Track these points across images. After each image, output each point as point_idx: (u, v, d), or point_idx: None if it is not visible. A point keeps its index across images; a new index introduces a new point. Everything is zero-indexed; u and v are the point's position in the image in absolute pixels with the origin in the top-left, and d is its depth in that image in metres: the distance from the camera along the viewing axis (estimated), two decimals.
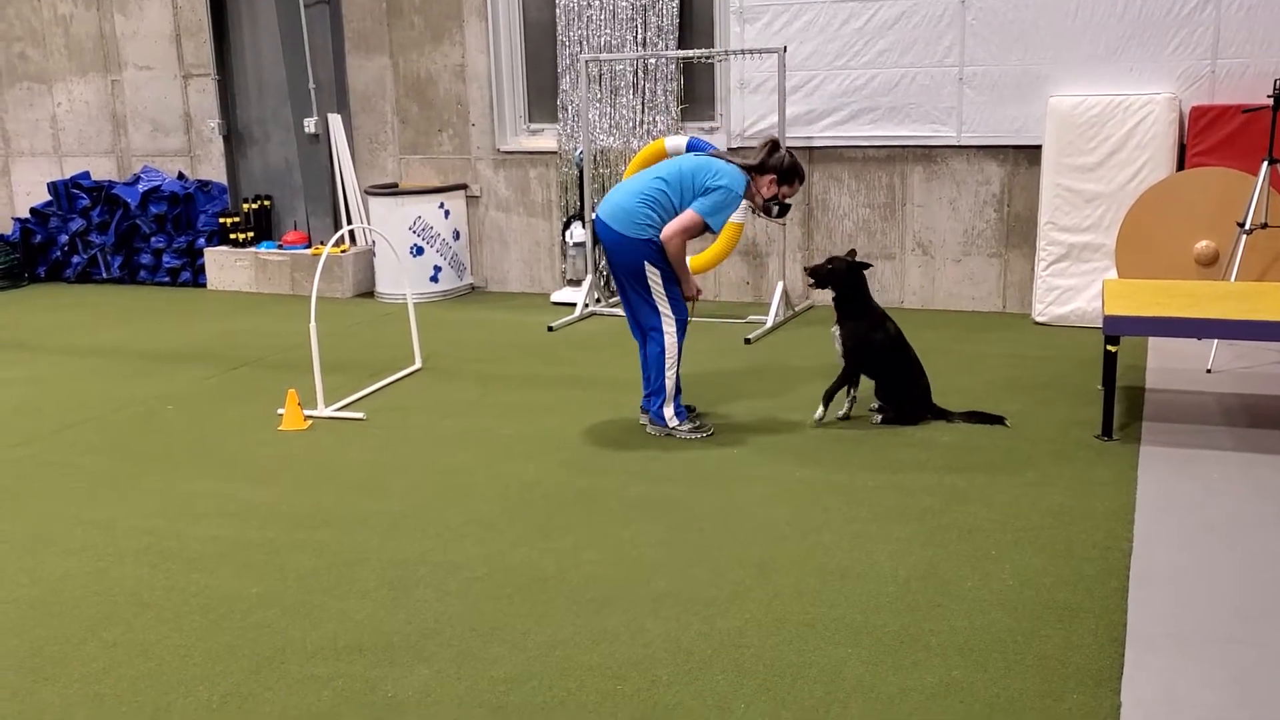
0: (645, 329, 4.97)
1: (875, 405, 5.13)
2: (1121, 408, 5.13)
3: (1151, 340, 6.17)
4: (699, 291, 5.00)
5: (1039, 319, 6.94)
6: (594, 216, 4.97)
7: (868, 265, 5.08)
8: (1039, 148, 6.92)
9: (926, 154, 7.31)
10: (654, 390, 5.00)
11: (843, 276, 5.02)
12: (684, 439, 4.98)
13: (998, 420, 5.02)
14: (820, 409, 5.11)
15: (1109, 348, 4.74)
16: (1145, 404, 5.23)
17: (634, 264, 4.83)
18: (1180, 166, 6.57)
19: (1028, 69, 6.92)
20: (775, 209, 4.98)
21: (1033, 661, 3.06)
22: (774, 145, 4.93)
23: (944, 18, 7.02)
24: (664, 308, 4.90)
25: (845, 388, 5.11)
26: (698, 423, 5.06)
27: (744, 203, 4.96)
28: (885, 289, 7.56)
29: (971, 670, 3.03)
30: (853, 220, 7.55)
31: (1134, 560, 3.65)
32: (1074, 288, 6.82)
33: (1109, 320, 4.73)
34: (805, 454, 4.75)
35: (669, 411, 5.00)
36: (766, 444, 4.90)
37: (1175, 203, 6.28)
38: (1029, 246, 7.17)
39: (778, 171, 4.89)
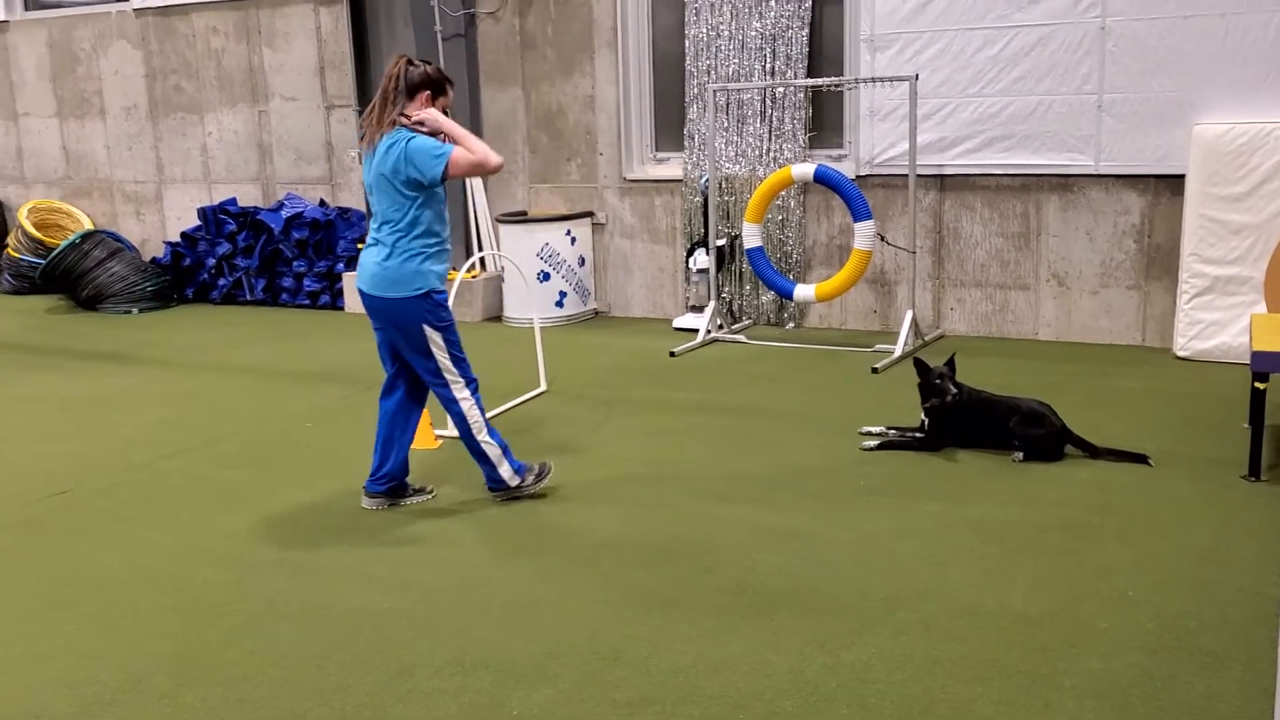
0: (440, 399, 4.57)
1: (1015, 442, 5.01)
2: (1270, 448, 4.90)
3: None
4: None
5: (1181, 353, 6.69)
6: (358, 289, 4.42)
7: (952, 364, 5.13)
8: (1182, 177, 6.69)
9: (1062, 183, 7.13)
10: (478, 459, 4.60)
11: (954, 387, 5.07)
12: (533, 492, 4.68)
13: (1141, 459, 4.84)
14: (873, 441, 5.25)
15: (1257, 385, 4.54)
16: None
17: (412, 329, 4.38)
18: None
19: (1170, 96, 6.70)
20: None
21: (1173, 709, 2.94)
22: (405, 68, 4.35)
23: (1083, 44, 6.85)
24: (451, 376, 4.50)
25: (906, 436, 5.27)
26: (536, 469, 4.71)
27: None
28: (1019, 320, 7.38)
29: (1107, 714, 2.92)
30: (985, 250, 7.41)
31: None
32: (1219, 322, 6.55)
33: (1257, 356, 4.54)
34: (935, 487, 4.66)
35: (505, 472, 4.60)
36: (894, 475, 4.82)
37: None
38: (1170, 279, 6.92)
39: (424, 86, 4.36)
